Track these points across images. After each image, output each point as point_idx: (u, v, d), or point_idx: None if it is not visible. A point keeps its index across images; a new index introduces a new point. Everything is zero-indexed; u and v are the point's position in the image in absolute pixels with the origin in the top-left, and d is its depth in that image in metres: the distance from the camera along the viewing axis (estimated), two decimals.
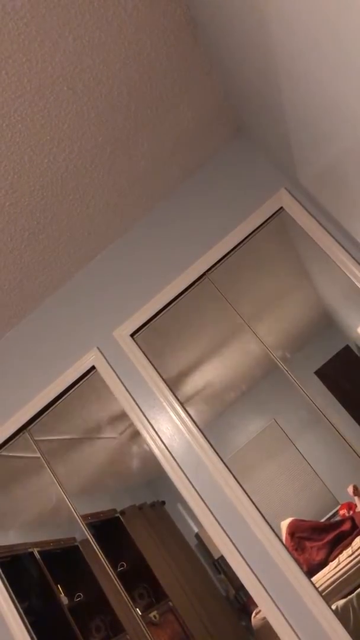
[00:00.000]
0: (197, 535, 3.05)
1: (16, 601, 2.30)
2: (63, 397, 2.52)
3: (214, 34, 1.92)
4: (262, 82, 1.88)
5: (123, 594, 2.58)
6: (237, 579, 2.17)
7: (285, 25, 1.39)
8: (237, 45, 1.83)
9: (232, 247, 2.47)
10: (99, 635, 2.73)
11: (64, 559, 2.88)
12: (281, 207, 2.45)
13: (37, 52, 1.69)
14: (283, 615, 2.02)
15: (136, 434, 2.69)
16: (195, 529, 3.04)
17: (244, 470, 2.27)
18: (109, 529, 2.90)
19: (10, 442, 2.51)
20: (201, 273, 2.48)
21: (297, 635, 1.99)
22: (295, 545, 2.60)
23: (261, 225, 2.46)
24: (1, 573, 2.37)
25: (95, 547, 2.51)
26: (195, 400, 2.79)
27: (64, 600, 2.75)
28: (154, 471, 2.55)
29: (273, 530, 2.12)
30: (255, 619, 2.64)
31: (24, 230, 2.21)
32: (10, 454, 2.57)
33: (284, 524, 2.67)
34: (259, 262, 2.69)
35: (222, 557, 2.81)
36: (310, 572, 2.39)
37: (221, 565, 2.97)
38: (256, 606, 2.57)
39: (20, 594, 2.40)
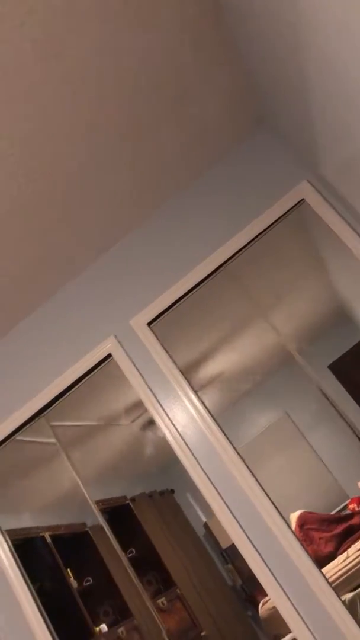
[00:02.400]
0: (205, 525, 3.07)
1: (29, 582, 2.33)
2: (79, 384, 2.53)
3: (238, 21, 1.90)
4: (286, 71, 1.87)
5: (135, 579, 2.61)
6: (244, 569, 2.19)
7: (313, 10, 1.37)
8: (262, 33, 1.82)
9: (251, 238, 2.47)
10: (106, 619, 2.76)
11: (74, 544, 2.91)
12: (302, 199, 2.44)
13: (66, 39, 1.70)
14: (292, 604, 2.03)
15: (149, 422, 2.71)
16: (204, 519, 3.06)
17: (254, 462, 2.28)
18: (119, 515, 2.93)
19: (26, 427, 2.53)
20: (220, 263, 2.48)
21: (306, 625, 2.00)
22: (304, 536, 2.61)
23: (281, 216, 2.46)
24: (15, 554, 2.40)
25: (108, 534, 2.54)
26: (208, 390, 2.80)
27: (74, 584, 2.79)
28: (164, 459, 2.57)
29: (284, 520, 2.13)
30: (262, 609, 2.66)
31: (44, 218, 2.22)
32: (27, 439, 2.60)
33: (294, 516, 2.68)
34: (277, 253, 2.68)
35: (229, 547, 2.83)
36: (318, 563, 2.39)
37: (229, 555, 3.00)
38: (263, 596, 2.59)
39: (32, 575, 2.43)
